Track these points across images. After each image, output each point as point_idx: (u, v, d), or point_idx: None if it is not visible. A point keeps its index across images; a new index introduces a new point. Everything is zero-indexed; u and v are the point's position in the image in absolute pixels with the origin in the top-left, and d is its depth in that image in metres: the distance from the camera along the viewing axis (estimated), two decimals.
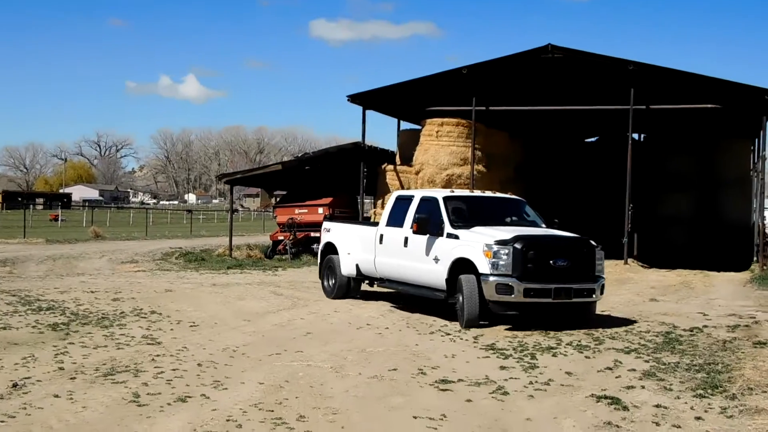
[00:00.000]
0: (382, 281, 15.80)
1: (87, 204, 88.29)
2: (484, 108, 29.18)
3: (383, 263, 15.56)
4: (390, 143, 35.94)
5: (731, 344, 11.80)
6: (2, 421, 7.19)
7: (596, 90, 29.15)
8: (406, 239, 14.91)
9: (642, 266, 27.08)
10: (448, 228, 13.90)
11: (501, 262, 12.71)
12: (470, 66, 28.31)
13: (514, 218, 15.02)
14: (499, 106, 29.38)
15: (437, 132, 30.06)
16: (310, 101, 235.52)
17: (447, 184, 28.16)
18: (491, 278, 12.72)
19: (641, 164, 30.95)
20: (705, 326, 13.58)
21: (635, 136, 36.96)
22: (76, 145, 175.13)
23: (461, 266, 13.46)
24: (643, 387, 9.00)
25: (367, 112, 31.19)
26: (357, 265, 16.24)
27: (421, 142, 30.31)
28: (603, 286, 13.47)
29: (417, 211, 14.66)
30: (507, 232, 13.36)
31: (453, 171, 29.02)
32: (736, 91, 26.76)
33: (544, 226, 14.84)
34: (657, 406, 8.16)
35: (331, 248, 17.00)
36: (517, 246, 12.78)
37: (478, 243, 13.20)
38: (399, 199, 15.93)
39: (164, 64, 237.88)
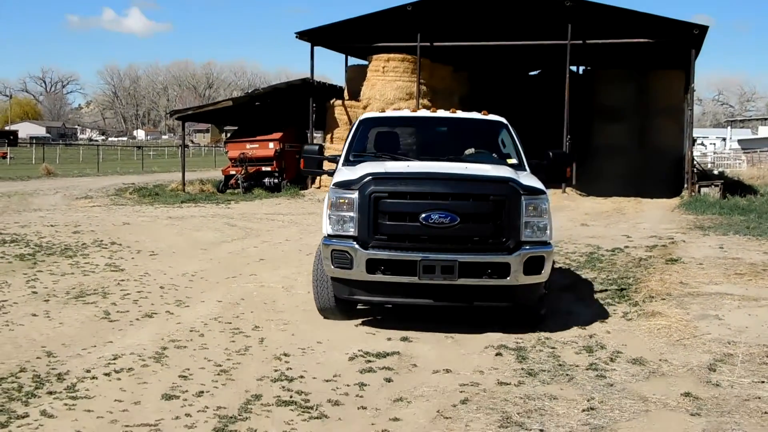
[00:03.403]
0: None
1: (35, 141, 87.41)
2: (428, 44, 29.96)
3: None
4: (339, 79, 36.64)
5: (645, 261, 13.04)
6: None
7: (537, 25, 30.02)
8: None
9: (580, 194, 28.45)
10: (339, 165, 9.58)
11: (341, 216, 8.31)
12: (414, 2, 29.05)
13: (478, 150, 9.95)
14: (444, 42, 30.23)
15: (383, 68, 30.91)
16: (258, 35, 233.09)
17: None
18: (327, 242, 8.38)
19: (580, 96, 32.13)
20: (626, 247, 14.82)
21: (577, 69, 38.24)
22: (21, 82, 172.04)
23: None
24: (559, 298, 10.14)
25: (317, 48, 31.92)
26: None
27: (368, 77, 31.16)
28: (541, 259, 8.18)
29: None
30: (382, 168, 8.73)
31: (399, 105, 29.80)
32: (667, 26, 27.88)
33: (508, 165, 9.34)
34: (568, 312, 9.34)
35: None
36: (365, 189, 8.19)
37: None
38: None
39: None
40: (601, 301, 9.95)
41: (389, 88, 30.74)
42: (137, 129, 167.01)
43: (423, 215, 8.04)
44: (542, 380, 6.77)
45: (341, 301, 8.78)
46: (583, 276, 11.81)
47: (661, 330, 8.44)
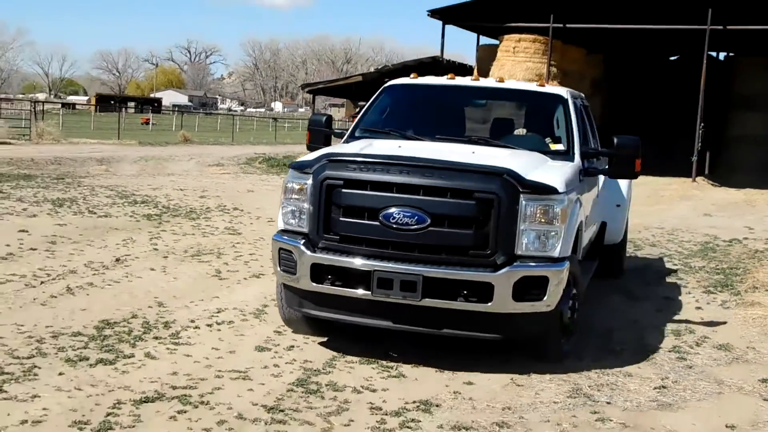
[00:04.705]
0: None
1: (176, 109, 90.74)
2: (561, 25, 29.64)
3: None
4: (470, 58, 36.70)
5: (761, 254, 12.74)
6: (109, 285, 8.72)
7: (676, 9, 29.26)
8: None
9: (712, 184, 27.67)
10: (341, 142, 8.10)
11: (293, 206, 6.71)
12: None
13: (519, 130, 8.32)
14: (577, 24, 29.83)
15: (514, 48, 30.76)
16: (399, 12, 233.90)
17: None
18: (277, 238, 6.80)
19: (719, 84, 31.13)
20: (745, 238, 14.47)
21: (717, 55, 37.02)
22: (167, 51, 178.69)
23: None
24: (660, 285, 10.11)
25: (450, 27, 32.08)
26: None
27: (497, 57, 31.06)
28: (543, 280, 6.17)
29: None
30: (375, 148, 7.08)
31: None
32: None
33: (548, 152, 7.51)
34: (666, 298, 9.33)
35: None
36: (318, 174, 6.51)
37: None
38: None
39: None
40: (703, 290, 9.86)
41: (519, 68, 30.55)
42: (275, 101, 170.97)
43: (383, 212, 6.18)
44: (623, 359, 6.88)
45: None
46: (692, 264, 11.67)
47: (757, 320, 8.35)
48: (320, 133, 8.14)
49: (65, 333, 6.81)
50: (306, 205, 6.57)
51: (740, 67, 32.51)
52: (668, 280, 10.43)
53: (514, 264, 6.12)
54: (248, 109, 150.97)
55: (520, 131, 8.17)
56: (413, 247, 6.19)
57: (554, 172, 6.63)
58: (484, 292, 6.08)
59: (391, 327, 6.42)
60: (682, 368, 6.69)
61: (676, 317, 8.45)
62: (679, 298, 9.40)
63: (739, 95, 31.73)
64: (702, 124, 27.44)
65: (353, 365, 6.42)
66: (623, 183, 10.05)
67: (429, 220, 6.12)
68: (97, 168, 22.76)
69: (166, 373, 6.01)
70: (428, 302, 6.13)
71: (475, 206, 6.11)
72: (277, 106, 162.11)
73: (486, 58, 32.02)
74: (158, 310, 7.80)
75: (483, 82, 8.64)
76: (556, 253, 6.22)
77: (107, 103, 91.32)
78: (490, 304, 6.07)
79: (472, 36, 34.95)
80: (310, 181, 6.53)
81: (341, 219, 6.39)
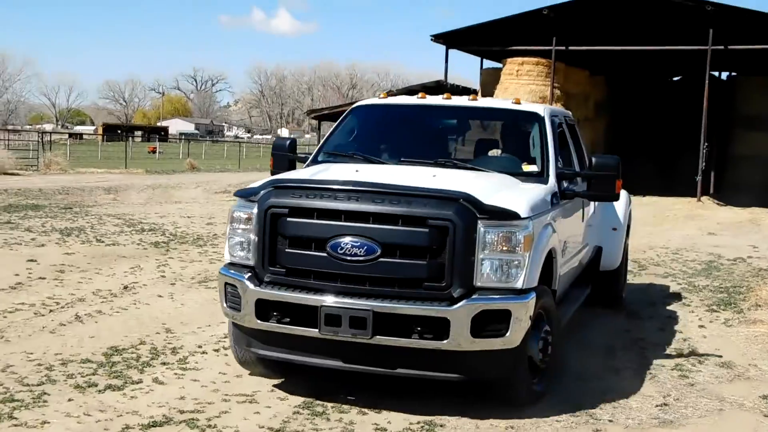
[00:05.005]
0: None
1: (183, 137, 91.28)
2: (564, 48, 29.87)
3: None
4: (475, 82, 36.89)
5: (765, 272, 12.81)
6: (118, 312, 8.83)
7: (677, 30, 29.46)
8: None
9: (717, 203, 27.74)
10: (304, 167, 7.66)
11: (238, 239, 6.30)
12: (551, 6, 29.02)
13: (493, 151, 7.88)
14: (580, 46, 30.03)
15: (517, 71, 30.97)
16: (403, 37, 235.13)
17: None
18: (223, 272, 6.42)
19: (721, 104, 31.26)
20: (749, 257, 14.53)
21: (719, 75, 37.17)
22: (174, 80, 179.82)
23: None
24: (664, 304, 10.17)
25: (454, 51, 32.33)
26: None
27: (501, 80, 31.29)
28: (505, 315, 5.68)
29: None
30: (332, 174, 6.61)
31: None
32: None
33: (519, 174, 7.01)
34: (669, 317, 9.40)
35: None
36: (264, 202, 6.06)
37: None
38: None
39: None
40: (706, 308, 9.93)
41: (522, 91, 30.70)
42: (281, 127, 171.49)
43: (331, 242, 5.73)
44: (624, 377, 6.96)
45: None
46: (696, 283, 11.72)
47: (759, 337, 8.43)
48: (284, 158, 7.71)
49: (74, 360, 6.91)
50: (251, 236, 6.08)
51: (743, 86, 32.64)
52: (672, 299, 10.48)
53: (473, 297, 5.61)
54: (255, 136, 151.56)
55: (495, 152, 7.70)
56: (363, 280, 5.71)
57: (520, 196, 6.15)
58: (440, 328, 5.57)
59: (341, 367, 5.96)
60: (684, 386, 6.76)
61: (679, 336, 8.52)
62: (683, 316, 9.46)
63: (742, 115, 31.84)
64: (706, 144, 27.55)
65: (357, 387, 6.49)
66: (620, 206, 9.49)
67: (379, 250, 5.64)
68: (105, 197, 22.94)
69: (174, 398, 6.10)
70: (380, 340, 5.63)
71: (429, 234, 5.61)
72: (284, 133, 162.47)
73: (490, 82, 32.24)
74: (166, 336, 7.90)
75: (454, 101, 8.02)
76: (519, 284, 5.70)
77: (114, 132, 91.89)
78: (446, 341, 5.57)
79: (476, 60, 35.12)
80: (254, 210, 6.05)
81: (287, 250, 5.91)
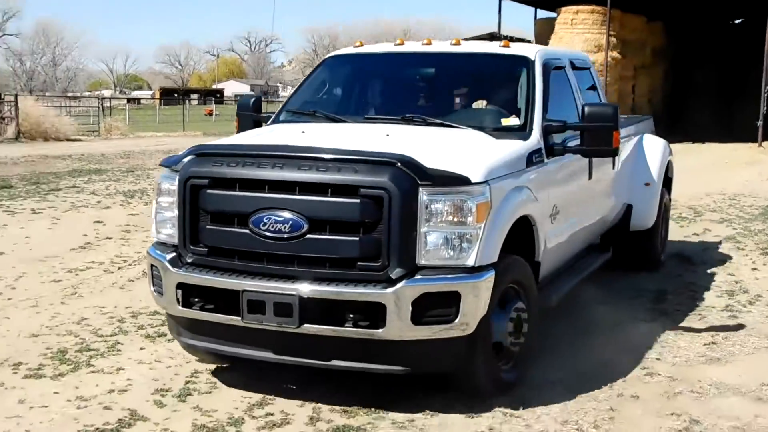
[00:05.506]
0: None
1: (238, 98, 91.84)
2: None
3: None
4: (529, 33, 36.45)
5: None
6: None
7: None
8: None
9: None
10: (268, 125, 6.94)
11: (164, 214, 5.55)
12: None
13: (478, 102, 6.83)
14: None
15: (572, 20, 30.67)
16: None
17: None
18: (151, 251, 5.60)
19: None
20: None
21: None
22: (228, 42, 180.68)
23: None
24: (718, 249, 10.21)
25: (507, 2, 32.12)
26: None
27: (555, 30, 31.02)
28: (453, 297, 4.84)
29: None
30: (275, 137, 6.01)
31: None
32: None
33: (490, 130, 6.04)
34: (721, 261, 9.47)
35: None
36: (184, 172, 5.32)
37: None
38: None
39: None
40: (761, 251, 9.94)
41: (577, 40, 30.42)
42: None
43: (253, 217, 5.00)
44: (674, 319, 7.10)
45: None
46: (752, 227, 11.70)
47: None
48: (249, 118, 6.95)
49: (143, 313, 7.26)
50: (170, 210, 5.41)
51: None
52: (727, 243, 10.51)
53: (414, 278, 4.79)
54: None
55: (479, 104, 6.71)
56: (291, 260, 4.94)
57: (478, 156, 5.28)
58: (376, 314, 4.77)
59: (272, 359, 5.20)
60: (733, 325, 6.88)
61: (731, 278, 8.60)
62: (736, 260, 9.51)
63: None
64: (767, 88, 27.03)
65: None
66: (654, 157, 8.64)
67: (306, 226, 4.86)
68: None
69: None
70: (308, 329, 4.86)
71: (361, 206, 4.79)
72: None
73: (544, 32, 32.00)
74: None
75: (434, 47, 7.05)
76: (470, 261, 4.86)
77: (171, 96, 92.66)
78: (382, 330, 4.76)
79: (530, 10, 34.81)
80: (176, 181, 5.31)
81: (208, 227, 5.19)
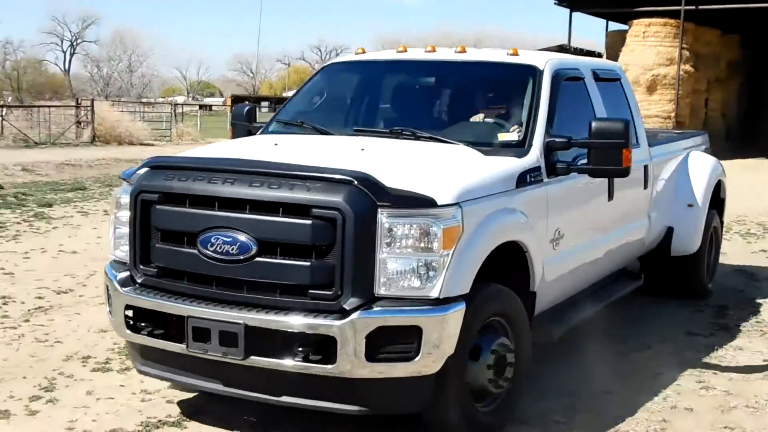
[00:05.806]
0: None
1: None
2: (694, 7, 29.00)
3: None
4: (600, 46, 36.01)
5: None
6: None
7: None
8: None
9: None
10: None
11: (120, 230, 5.15)
12: None
13: (476, 116, 6.12)
14: (711, 5, 29.09)
15: (644, 33, 30.28)
16: (525, 2, 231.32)
17: (651, 85, 28.61)
18: (107, 269, 5.21)
19: None
20: None
21: None
22: (299, 51, 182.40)
23: None
24: None
25: (578, 14, 31.91)
26: None
27: (627, 42, 30.66)
28: (413, 332, 4.32)
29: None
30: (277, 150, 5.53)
31: (658, 71, 29.19)
32: None
33: (480, 145, 5.48)
34: None
35: None
36: (137, 184, 4.93)
37: None
38: None
39: None
40: None
41: (649, 53, 30.06)
42: None
43: (201, 237, 4.59)
44: (733, 334, 7.04)
45: None
46: None
47: None
48: (243, 128, 6.59)
49: None
50: (124, 228, 5.02)
51: None
52: None
53: (369, 309, 4.31)
54: None
55: (477, 117, 6.07)
56: (240, 285, 4.53)
57: (452, 175, 4.77)
58: (327, 348, 4.31)
59: (222, 391, 4.74)
60: None
61: None
62: None
63: None
64: None
65: None
66: (700, 177, 7.99)
67: (254, 248, 4.44)
68: None
69: None
70: (255, 361, 4.43)
71: (312, 227, 4.33)
72: None
73: (616, 45, 31.67)
74: None
75: (437, 54, 6.51)
76: (435, 293, 4.35)
77: (242, 103, 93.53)
78: (331, 366, 4.29)
79: (602, 22, 34.55)
80: (129, 196, 4.92)
81: (158, 245, 4.80)
